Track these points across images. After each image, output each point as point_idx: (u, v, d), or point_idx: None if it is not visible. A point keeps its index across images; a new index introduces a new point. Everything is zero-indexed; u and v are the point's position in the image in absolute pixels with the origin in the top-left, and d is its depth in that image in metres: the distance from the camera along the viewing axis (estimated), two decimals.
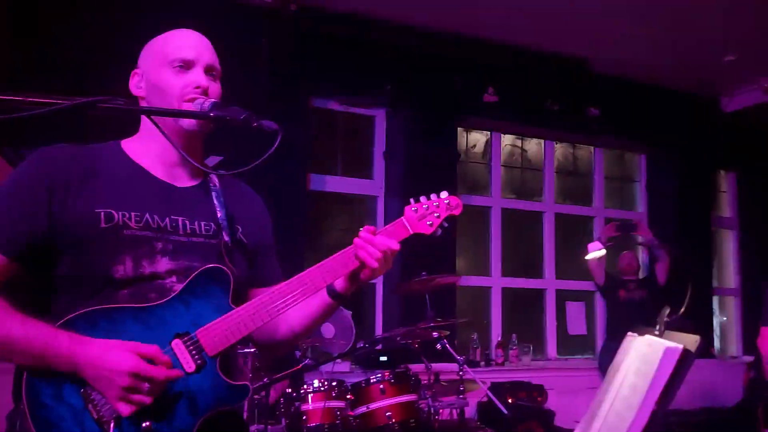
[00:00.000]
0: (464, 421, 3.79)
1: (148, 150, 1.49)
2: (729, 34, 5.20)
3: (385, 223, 1.60)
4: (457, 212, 1.63)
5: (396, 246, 1.49)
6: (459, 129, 5.62)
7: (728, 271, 6.98)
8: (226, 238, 1.47)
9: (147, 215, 1.41)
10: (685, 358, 1.45)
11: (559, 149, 6.34)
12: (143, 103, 1.50)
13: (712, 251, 6.70)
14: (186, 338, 1.36)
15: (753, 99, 6.23)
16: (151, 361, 1.27)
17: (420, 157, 5.14)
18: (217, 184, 1.56)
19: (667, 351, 1.47)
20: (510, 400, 4.74)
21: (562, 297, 6.15)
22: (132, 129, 1.53)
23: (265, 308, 1.42)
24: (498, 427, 4.54)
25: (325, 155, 5.21)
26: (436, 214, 1.59)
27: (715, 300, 6.74)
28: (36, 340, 1.27)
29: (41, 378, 1.27)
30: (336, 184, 5.16)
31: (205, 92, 1.44)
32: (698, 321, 6.34)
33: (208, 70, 1.48)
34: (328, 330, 4.45)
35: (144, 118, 1.50)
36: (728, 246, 7.02)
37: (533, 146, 6.23)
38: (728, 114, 6.52)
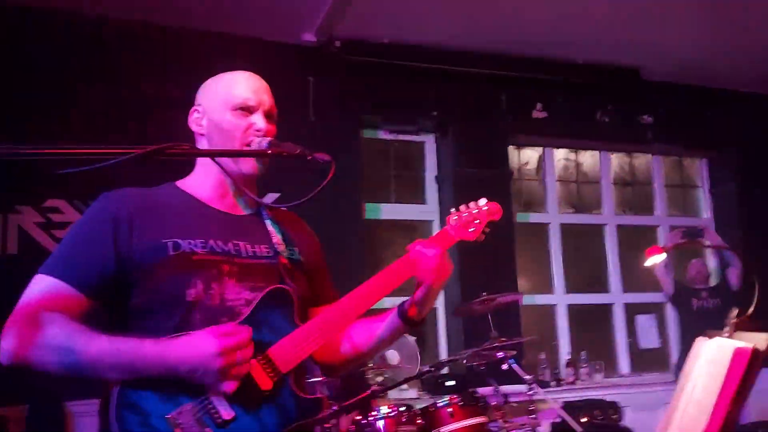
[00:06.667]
0: None
1: (204, 185, 1.59)
2: None
3: None
4: (496, 217, 1.68)
5: (439, 249, 1.54)
6: (510, 147, 5.60)
7: None
8: (285, 260, 1.55)
9: (211, 241, 1.48)
10: (756, 357, 1.41)
11: (615, 159, 6.22)
12: (202, 140, 1.60)
13: None
14: (259, 357, 1.40)
15: None
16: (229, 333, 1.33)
17: (471, 179, 5.14)
18: (269, 213, 1.65)
19: (737, 351, 1.43)
20: (584, 420, 4.60)
21: (632, 310, 5.97)
22: (187, 168, 1.62)
23: (330, 322, 1.49)
24: None
25: (378, 184, 5.28)
26: (476, 221, 1.65)
27: None
28: (124, 351, 1.31)
29: (128, 409, 1.31)
30: (390, 211, 5.22)
31: (264, 135, 1.54)
32: None
33: (268, 115, 1.57)
34: (393, 356, 4.45)
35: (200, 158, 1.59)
36: None
37: (588, 158, 6.13)
38: None
